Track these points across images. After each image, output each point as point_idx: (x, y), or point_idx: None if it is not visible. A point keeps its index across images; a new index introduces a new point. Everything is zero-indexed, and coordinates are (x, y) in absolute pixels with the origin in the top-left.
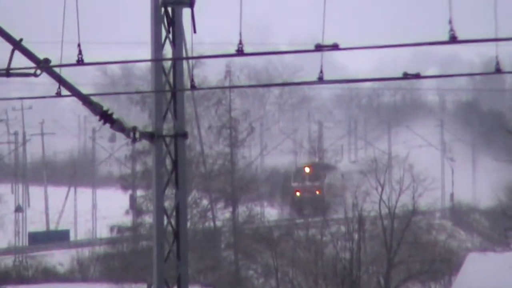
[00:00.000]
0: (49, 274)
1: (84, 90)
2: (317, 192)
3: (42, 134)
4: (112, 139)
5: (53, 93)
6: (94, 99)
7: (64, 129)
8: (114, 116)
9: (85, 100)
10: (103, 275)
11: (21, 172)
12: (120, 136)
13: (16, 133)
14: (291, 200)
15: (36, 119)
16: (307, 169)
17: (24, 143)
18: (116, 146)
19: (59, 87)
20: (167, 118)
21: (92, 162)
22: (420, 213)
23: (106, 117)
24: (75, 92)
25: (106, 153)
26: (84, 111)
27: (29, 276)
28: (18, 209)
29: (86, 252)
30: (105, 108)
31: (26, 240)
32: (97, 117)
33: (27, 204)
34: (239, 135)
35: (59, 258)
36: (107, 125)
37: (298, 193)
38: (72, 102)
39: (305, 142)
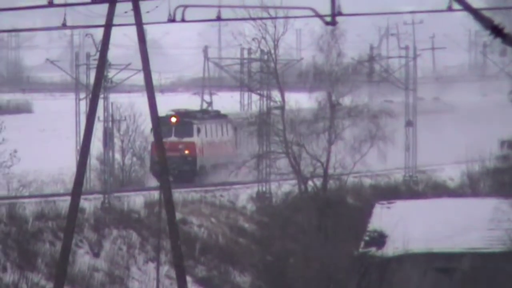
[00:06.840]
0: (439, 189)
1: (476, 4)
2: None
3: (433, 48)
4: (502, 53)
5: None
6: (486, 13)
7: (455, 43)
8: (505, 31)
9: (476, 14)
10: (493, 190)
11: (411, 86)
12: (511, 51)
13: (406, 48)
14: None
15: (427, 33)
16: None
17: (414, 58)
18: (507, 61)
19: None
20: None
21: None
22: None
23: (497, 31)
24: (467, 6)
25: (496, 68)
26: (475, 25)
27: (419, 190)
28: (409, 123)
29: (476, 166)
30: (496, 23)
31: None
32: (488, 32)
33: None
34: None
35: (449, 173)
36: (498, 39)
37: None
38: (463, 17)
39: None
